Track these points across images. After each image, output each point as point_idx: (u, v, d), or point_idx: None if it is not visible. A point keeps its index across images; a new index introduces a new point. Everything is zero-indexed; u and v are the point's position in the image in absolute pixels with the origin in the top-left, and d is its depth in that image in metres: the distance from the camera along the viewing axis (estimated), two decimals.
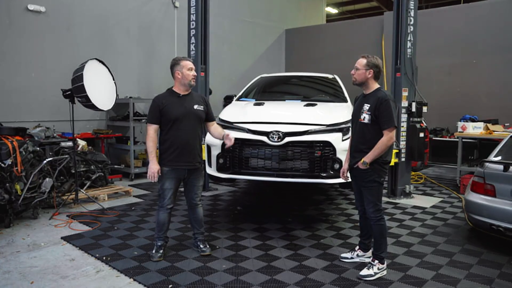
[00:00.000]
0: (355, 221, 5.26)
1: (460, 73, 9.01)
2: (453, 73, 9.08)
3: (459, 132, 7.23)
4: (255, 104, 5.08)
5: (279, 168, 4.40)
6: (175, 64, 3.89)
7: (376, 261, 3.61)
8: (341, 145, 4.39)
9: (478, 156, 7.87)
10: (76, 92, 4.99)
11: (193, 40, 6.79)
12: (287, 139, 4.34)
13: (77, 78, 4.90)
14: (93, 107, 5.04)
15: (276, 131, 4.35)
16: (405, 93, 6.43)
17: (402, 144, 6.36)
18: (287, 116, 4.66)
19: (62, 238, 4.52)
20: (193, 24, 6.77)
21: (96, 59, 5.26)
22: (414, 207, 5.97)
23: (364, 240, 3.93)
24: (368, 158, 3.47)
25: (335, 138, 4.39)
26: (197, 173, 4.01)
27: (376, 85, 3.67)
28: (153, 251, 3.95)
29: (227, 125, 4.62)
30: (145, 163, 8.02)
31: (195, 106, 3.91)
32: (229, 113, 4.96)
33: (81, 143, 6.35)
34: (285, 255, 4.10)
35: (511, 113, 8.15)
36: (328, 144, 4.35)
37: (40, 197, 5.10)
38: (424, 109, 6.37)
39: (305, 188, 7.02)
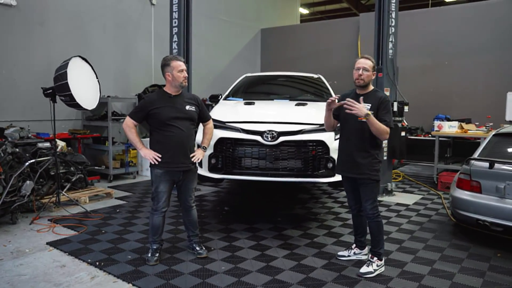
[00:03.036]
0: (344, 219, 5.34)
1: (433, 74, 9.32)
2: (426, 73, 9.38)
3: (436, 131, 7.48)
4: (246, 104, 5.04)
5: (273, 168, 4.39)
6: (165, 65, 3.76)
7: (375, 258, 3.67)
8: (334, 144, 4.43)
9: (451, 154, 8.18)
10: (59, 90, 4.77)
11: (175, 38, 6.68)
12: (281, 138, 4.33)
13: (60, 76, 4.69)
14: (77, 106, 4.85)
15: (270, 130, 4.34)
16: (387, 93, 6.58)
17: (384, 143, 6.49)
18: (280, 115, 4.66)
19: (47, 243, 4.32)
20: (175, 22, 6.67)
21: (79, 56, 5.05)
22: (398, 204, 6.12)
23: (359, 238, 3.99)
24: (372, 118, 3.44)
25: (328, 137, 4.42)
26: (191, 175, 3.92)
27: (372, 85, 3.74)
28: (149, 255, 3.84)
29: (219, 124, 4.56)
30: (123, 164, 7.82)
31: (187, 107, 3.81)
32: (220, 112, 4.90)
33: (60, 143, 6.09)
34: (282, 254, 4.09)
35: (481, 112, 8.49)
36: (321, 143, 4.38)
37: (20, 201, 4.85)
38: (406, 108, 6.55)
39: (289, 187, 7.05)
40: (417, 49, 9.42)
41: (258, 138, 4.36)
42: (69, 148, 6.45)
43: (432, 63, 9.34)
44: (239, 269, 3.73)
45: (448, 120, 8.29)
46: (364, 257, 3.96)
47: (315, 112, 4.79)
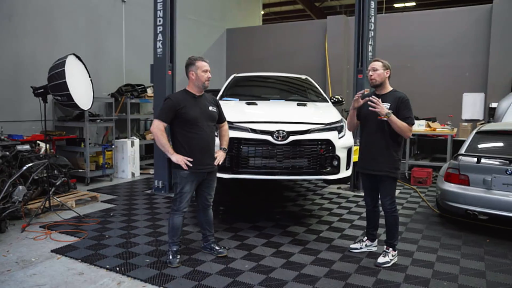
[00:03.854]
0: (338, 214, 5.57)
1: (397, 75, 9.87)
2: (391, 75, 9.92)
3: None
4: (248, 104, 5.10)
5: (283, 167, 4.49)
6: (190, 64, 3.78)
7: (390, 249, 3.91)
8: (339, 142, 4.64)
9: (417, 150, 8.76)
10: (55, 90, 4.54)
11: (160, 37, 6.55)
12: (291, 138, 4.45)
13: (57, 75, 4.46)
14: (74, 106, 4.63)
15: (281, 130, 4.44)
16: (366, 93, 6.92)
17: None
18: (286, 115, 4.77)
19: (52, 251, 4.11)
20: (160, 21, 6.53)
21: (73, 54, 4.83)
22: None
23: (372, 231, 4.22)
24: (393, 117, 3.65)
25: (334, 136, 4.61)
26: (214, 175, 3.95)
27: (390, 86, 3.97)
28: (170, 257, 3.80)
29: (227, 125, 4.58)
30: (98, 166, 7.54)
31: (210, 108, 3.84)
32: (226, 113, 4.91)
33: (44, 146, 5.76)
34: (297, 250, 4.22)
35: (441, 112, 9.19)
36: (328, 142, 4.56)
37: (12, 208, 4.56)
38: None
39: (276, 186, 7.20)
40: (381, 52, 9.91)
41: (269, 137, 4.44)
42: (52, 150, 6.11)
43: (395, 66, 9.88)
44: (263, 266, 3.81)
45: (417, 119, 8.86)
46: (374, 249, 4.21)
47: (318, 112, 4.97)
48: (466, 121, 9.07)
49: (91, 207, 5.81)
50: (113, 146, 7.66)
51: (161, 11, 6.49)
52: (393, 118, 3.66)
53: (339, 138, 4.69)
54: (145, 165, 8.65)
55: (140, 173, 8.22)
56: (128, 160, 7.84)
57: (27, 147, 5.62)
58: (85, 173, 7.12)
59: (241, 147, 4.50)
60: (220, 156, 3.88)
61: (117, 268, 3.69)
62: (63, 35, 7.65)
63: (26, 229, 4.73)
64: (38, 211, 5.07)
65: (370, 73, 3.92)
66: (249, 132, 4.51)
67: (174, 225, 3.82)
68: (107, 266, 3.73)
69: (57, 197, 5.71)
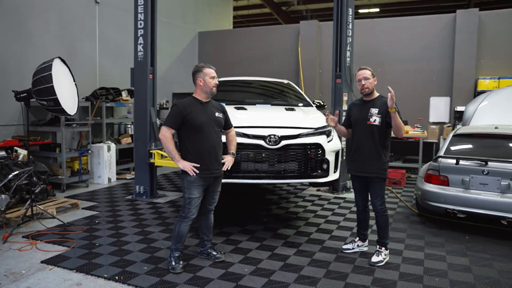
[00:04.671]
0: (323, 216, 5.71)
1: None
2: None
3: None
4: (237, 108, 5.13)
5: (275, 171, 4.57)
6: (198, 71, 3.82)
7: (383, 248, 4.08)
8: (328, 146, 4.78)
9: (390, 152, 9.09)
10: (41, 94, 4.37)
11: (141, 40, 6.47)
12: (283, 142, 4.53)
13: (44, 79, 4.30)
14: (61, 111, 4.48)
15: (273, 134, 4.52)
16: (345, 98, 7.16)
17: (343, 143, 7.04)
18: (277, 120, 4.84)
19: (43, 262, 3.97)
20: (141, 24, 6.46)
21: (59, 58, 4.68)
22: None
23: (363, 231, 4.37)
24: (396, 113, 3.82)
25: (323, 140, 4.74)
26: (219, 180, 3.97)
27: (376, 92, 4.16)
28: (173, 263, 3.77)
29: None
30: (74, 172, 7.31)
31: (216, 114, 3.87)
32: None
33: (22, 152, 5.53)
34: (291, 252, 4.30)
35: (410, 115, 9.57)
36: (318, 146, 4.68)
37: None
38: None
39: (257, 189, 7.26)
40: (354, 57, 10.25)
41: (261, 142, 4.51)
42: (31, 156, 5.87)
43: None
44: (262, 269, 3.86)
45: None
46: (365, 249, 4.37)
47: (307, 117, 5.08)
48: (434, 123, 9.51)
49: (73, 214, 5.63)
50: (89, 151, 7.45)
51: (142, 14, 6.41)
52: (396, 114, 3.84)
53: (328, 142, 4.82)
54: (120, 170, 8.46)
55: (117, 178, 8.04)
56: (105, 165, 7.65)
57: (3, 153, 5.37)
58: (61, 180, 6.88)
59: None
60: (228, 161, 3.91)
61: (116, 277, 3.63)
62: (35, 35, 7.36)
63: (8, 240, 4.53)
64: (19, 221, 4.86)
65: (363, 82, 4.08)
66: (242, 136, 4.55)
67: (180, 232, 3.80)
68: (105, 275, 3.66)
69: (38, 205, 5.51)
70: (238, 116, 4.82)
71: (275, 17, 20.30)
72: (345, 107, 7.14)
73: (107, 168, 7.71)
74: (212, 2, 13.16)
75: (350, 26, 7.09)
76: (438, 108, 9.63)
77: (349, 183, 7.22)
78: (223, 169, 3.88)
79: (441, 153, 5.31)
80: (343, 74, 7.06)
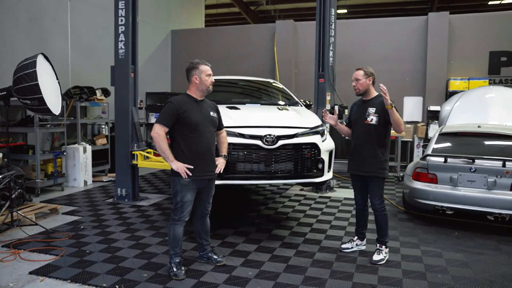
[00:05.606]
0: (314, 216, 5.71)
1: (343, 79, 10.35)
2: (337, 79, 10.37)
3: None
4: (230, 108, 5.01)
5: (272, 171, 4.50)
6: (193, 68, 3.65)
7: (383, 246, 4.11)
8: (323, 146, 4.76)
9: None
10: (24, 93, 4.07)
11: (122, 37, 6.22)
12: (280, 142, 4.47)
13: (27, 76, 4.01)
14: (45, 111, 4.20)
15: (270, 134, 4.45)
16: (328, 97, 7.20)
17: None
18: (272, 120, 4.77)
19: (31, 273, 3.70)
20: (122, 21, 6.20)
21: (42, 54, 4.38)
22: (346, 199, 6.74)
23: (362, 230, 4.39)
24: (394, 109, 3.84)
25: (318, 140, 4.72)
26: (213, 182, 3.83)
27: (375, 91, 4.18)
28: (174, 269, 3.62)
29: None
30: (47, 175, 6.93)
31: (211, 113, 3.74)
32: None
33: None
34: (291, 254, 4.26)
35: None
36: (314, 145, 4.65)
37: None
38: (345, 111, 7.25)
39: (242, 190, 7.16)
40: None
41: (258, 142, 4.42)
42: (5, 160, 5.48)
43: (341, 71, 10.37)
44: (266, 272, 3.78)
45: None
46: (364, 248, 4.39)
47: (301, 116, 5.04)
48: (408, 122, 9.78)
49: (53, 220, 5.32)
50: (64, 153, 7.08)
51: (124, 10, 6.16)
52: (393, 110, 3.86)
53: (322, 141, 4.81)
54: (94, 172, 8.10)
55: (93, 181, 7.70)
56: (81, 168, 7.30)
57: None
58: (35, 183, 6.49)
59: (230, 152, 4.41)
60: (221, 164, 3.79)
61: (116, 286, 3.44)
62: (3, 31, 6.91)
63: None
64: None
65: (354, 83, 4.12)
66: (237, 137, 4.46)
67: (175, 236, 3.65)
68: (104, 285, 3.45)
69: (18, 211, 5.16)
70: (232, 116, 4.72)
71: (243, 17, 20.23)
72: (328, 106, 7.19)
73: (83, 171, 7.36)
74: (185, 0, 12.91)
75: (333, 26, 7.13)
76: (411, 108, 9.92)
77: (332, 182, 7.27)
78: (216, 171, 3.75)
79: (429, 151, 5.43)
80: (326, 74, 7.09)
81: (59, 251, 4.19)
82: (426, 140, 8.94)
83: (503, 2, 16.46)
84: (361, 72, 4.13)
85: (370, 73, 4.16)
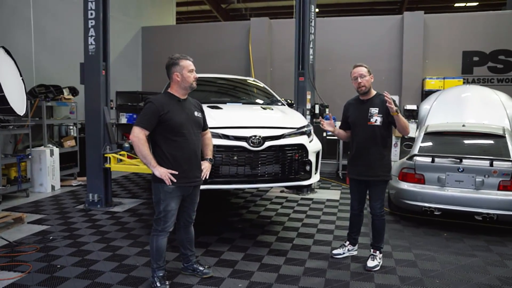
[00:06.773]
0: (298, 219, 5.50)
1: (320, 78, 10.24)
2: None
3: None
4: (212, 108, 4.70)
5: (258, 174, 4.24)
6: (173, 64, 3.31)
7: (377, 252, 3.94)
8: (310, 147, 4.55)
9: (348, 151, 9.14)
10: None
11: (92, 32, 5.79)
12: (267, 143, 4.22)
13: None
14: (9, 111, 3.77)
15: (255, 135, 4.19)
16: (308, 96, 7.03)
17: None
18: (257, 120, 4.52)
19: None
20: (92, 14, 5.78)
21: (2, 47, 3.94)
22: (328, 200, 6.59)
23: (355, 236, 4.21)
24: (400, 114, 3.66)
25: (306, 141, 4.51)
26: (198, 189, 3.53)
27: (373, 90, 4.00)
28: (158, 284, 3.30)
29: None
30: (10, 180, 6.41)
31: (196, 113, 3.44)
32: None
33: None
34: (281, 262, 4.02)
35: None
36: (302, 146, 4.43)
37: None
38: (327, 110, 7.09)
39: (221, 193, 6.87)
40: None
41: (244, 144, 4.16)
42: None
43: (318, 69, 10.25)
44: (257, 283, 3.53)
45: (335, 120, 9.23)
46: (355, 253, 4.21)
47: (287, 116, 4.82)
48: None
49: (18, 231, 4.86)
50: (29, 156, 6.56)
51: (93, 2, 5.73)
52: (399, 116, 3.67)
53: (309, 142, 4.61)
54: (62, 176, 7.59)
55: (61, 186, 7.20)
56: (47, 172, 6.80)
57: None
58: None
59: (214, 154, 4.13)
60: (206, 168, 3.49)
61: None
62: None
63: None
64: None
65: (359, 80, 3.90)
66: (221, 138, 4.18)
67: (158, 248, 3.33)
68: None
69: None
70: (214, 116, 4.43)
71: (214, 15, 19.88)
72: (308, 105, 7.02)
73: (50, 175, 6.86)
74: None
75: (313, 23, 6.97)
76: None
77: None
78: (201, 176, 3.46)
79: (415, 151, 5.33)
80: (306, 72, 6.91)
81: (26, 267, 3.78)
82: (403, 139, 8.92)
83: (468, 4, 16.94)
84: (364, 69, 3.93)
85: (371, 70, 3.98)
